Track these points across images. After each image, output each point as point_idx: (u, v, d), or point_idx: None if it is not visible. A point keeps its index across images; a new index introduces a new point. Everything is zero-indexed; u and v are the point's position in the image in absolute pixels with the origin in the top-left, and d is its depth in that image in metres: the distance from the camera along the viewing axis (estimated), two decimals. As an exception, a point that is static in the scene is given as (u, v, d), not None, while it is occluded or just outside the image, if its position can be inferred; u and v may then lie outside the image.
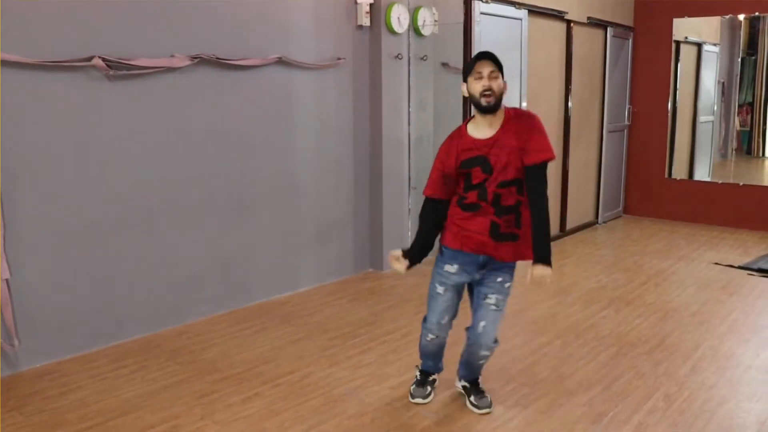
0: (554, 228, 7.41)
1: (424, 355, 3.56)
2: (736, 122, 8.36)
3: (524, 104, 6.34)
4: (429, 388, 3.57)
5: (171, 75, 4.38)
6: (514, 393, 3.63)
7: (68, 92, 3.94)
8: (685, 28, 8.15)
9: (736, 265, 6.20)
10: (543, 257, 3.13)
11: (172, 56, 4.35)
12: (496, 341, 3.33)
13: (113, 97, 4.14)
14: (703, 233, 7.63)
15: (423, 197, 3.36)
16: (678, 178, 8.42)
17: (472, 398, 3.47)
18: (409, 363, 4.00)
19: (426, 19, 5.92)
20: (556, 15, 6.85)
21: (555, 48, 7.06)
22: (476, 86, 3.04)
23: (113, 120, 4.16)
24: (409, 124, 6.01)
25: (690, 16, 8.01)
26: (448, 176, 3.20)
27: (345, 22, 5.48)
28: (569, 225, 7.60)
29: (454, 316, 3.39)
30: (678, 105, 8.36)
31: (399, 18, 5.66)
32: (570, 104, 7.31)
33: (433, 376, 3.63)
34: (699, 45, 8.42)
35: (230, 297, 4.93)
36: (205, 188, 4.67)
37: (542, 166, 3.10)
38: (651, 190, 8.52)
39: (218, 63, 4.61)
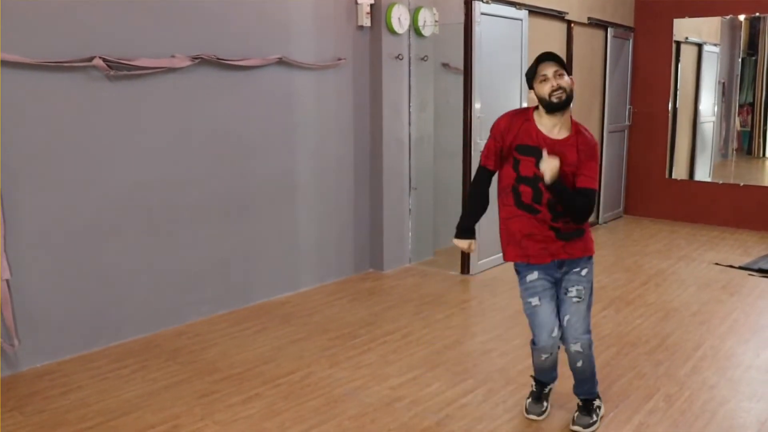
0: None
1: (538, 372, 3.44)
2: (737, 122, 8.36)
3: (524, 104, 6.34)
4: (545, 404, 3.43)
5: (171, 75, 4.38)
6: (514, 393, 3.63)
7: (69, 93, 3.94)
8: (685, 28, 8.15)
9: (737, 266, 6.20)
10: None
11: (173, 56, 4.35)
12: (587, 332, 3.19)
13: (114, 98, 4.14)
14: (704, 233, 7.63)
15: (479, 166, 3.26)
16: (678, 178, 8.41)
17: (576, 413, 3.33)
18: (410, 363, 4.00)
19: (426, 19, 5.92)
20: (557, 15, 6.85)
21: (555, 48, 7.02)
22: (544, 88, 2.99)
23: (114, 120, 4.16)
24: (409, 124, 6.02)
25: (690, 16, 8.01)
26: (502, 151, 3.13)
27: (345, 23, 5.48)
28: (570, 225, 7.57)
29: (560, 326, 3.23)
30: (678, 105, 8.36)
31: (399, 18, 5.66)
32: (570, 105, 7.28)
33: (550, 386, 3.49)
34: (699, 45, 8.41)
35: (230, 297, 4.93)
36: (205, 188, 4.67)
37: (589, 192, 3.06)
38: (651, 191, 8.52)
39: (219, 63, 4.61)
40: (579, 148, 3.05)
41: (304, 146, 5.31)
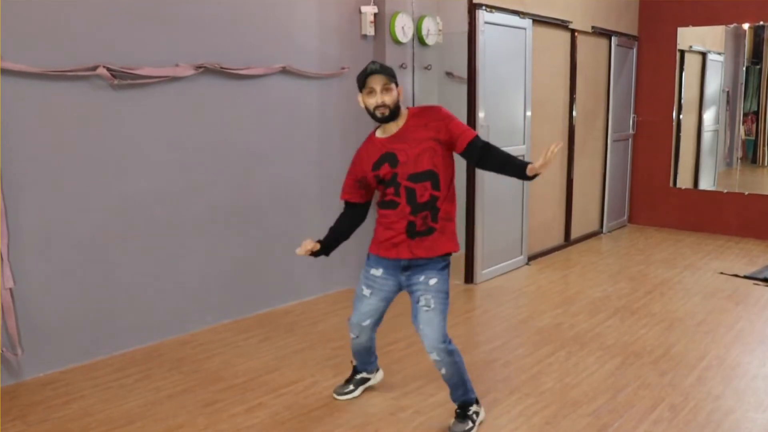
0: (559, 237, 7.40)
1: (353, 352, 3.66)
2: (741, 131, 8.35)
3: (528, 113, 6.34)
4: (351, 387, 3.69)
5: (175, 84, 4.39)
6: (518, 403, 3.61)
7: (72, 101, 3.95)
8: (689, 37, 8.15)
9: (742, 275, 6.18)
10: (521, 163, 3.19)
11: (177, 65, 4.36)
12: (443, 341, 3.18)
13: (117, 107, 4.15)
14: (709, 242, 7.60)
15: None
16: (683, 187, 8.39)
17: (452, 422, 3.33)
18: (414, 373, 3.99)
19: (430, 28, 5.93)
20: (561, 24, 6.85)
21: (559, 57, 7.06)
22: (370, 101, 3.11)
23: (117, 129, 4.17)
24: (413, 133, 6.00)
25: (694, 25, 8.01)
26: (362, 180, 3.28)
27: (349, 32, 5.49)
28: (574, 234, 7.58)
29: (377, 321, 3.44)
30: (683, 114, 8.35)
31: (403, 27, 5.67)
32: (574, 113, 7.30)
33: (362, 375, 3.73)
34: (703, 54, 8.41)
35: (234, 306, 4.93)
36: (209, 197, 4.68)
37: (475, 143, 3.14)
38: (656, 200, 8.50)
39: (222, 72, 4.62)
40: (425, 123, 3.15)
41: (308, 155, 5.31)
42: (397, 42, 5.68)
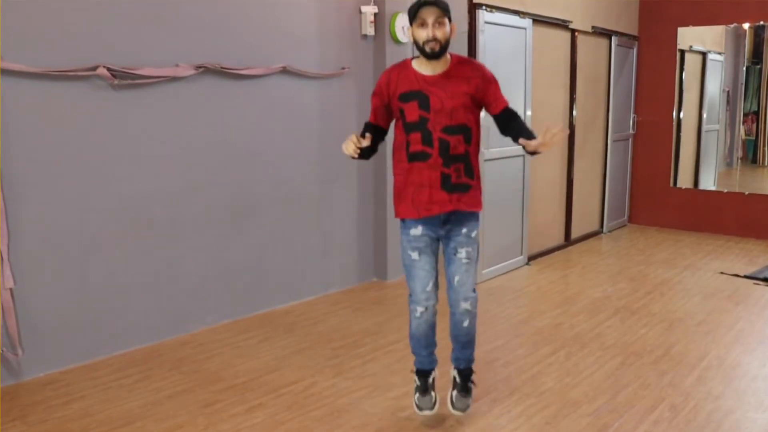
0: (559, 237, 7.39)
1: (416, 343, 3.37)
2: (741, 131, 8.35)
3: (528, 113, 6.34)
4: (433, 394, 3.36)
5: (175, 84, 4.39)
6: (518, 403, 3.61)
7: (73, 102, 3.95)
8: (689, 37, 8.15)
9: (742, 275, 6.18)
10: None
11: (177, 65, 4.37)
12: (474, 291, 3.27)
13: (117, 107, 4.15)
14: (709, 242, 7.60)
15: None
16: (683, 187, 8.39)
17: (453, 393, 3.38)
18: (414, 373, 3.99)
19: (430, 28, 5.92)
20: (561, 24, 6.85)
21: (559, 57, 7.06)
22: (420, 34, 3.00)
23: (117, 129, 4.17)
24: (413, 133, 6.00)
25: (694, 25, 8.01)
26: (388, 106, 3.19)
27: (349, 32, 5.49)
28: (574, 234, 7.58)
29: (436, 282, 3.27)
30: (683, 114, 8.35)
31: (403, 27, 5.67)
32: (574, 113, 7.30)
33: (432, 375, 3.43)
34: (704, 54, 8.41)
35: (234, 306, 4.93)
36: (209, 197, 4.68)
37: (509, 109, 3.17)
38: (656, 199, 8.50)
39: (223, 72, 4.62)
40: (467, 75, 3.08)
41: (308, 155, 5.31)
42: (397, 42, 5.68)
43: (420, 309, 3.27)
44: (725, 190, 8.16)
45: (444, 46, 3.01)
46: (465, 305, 3.25)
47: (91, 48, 3.97)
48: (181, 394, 3.73)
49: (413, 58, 3.17)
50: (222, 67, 4.58)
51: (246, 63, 4.75)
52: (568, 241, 7.51)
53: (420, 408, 3.36)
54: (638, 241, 7.76)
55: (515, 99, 6.21)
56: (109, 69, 4.01)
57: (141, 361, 4.17)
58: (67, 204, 4.00)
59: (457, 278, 3.22)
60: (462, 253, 3.20)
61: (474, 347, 3.42)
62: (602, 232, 8.19)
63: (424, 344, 3.38)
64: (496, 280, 6.03)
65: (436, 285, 3.28)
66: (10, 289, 3.76)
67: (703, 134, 8.59)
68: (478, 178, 3.23)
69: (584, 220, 7.82)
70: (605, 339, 4.55)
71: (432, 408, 3.34)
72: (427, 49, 3.00)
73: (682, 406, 3.56)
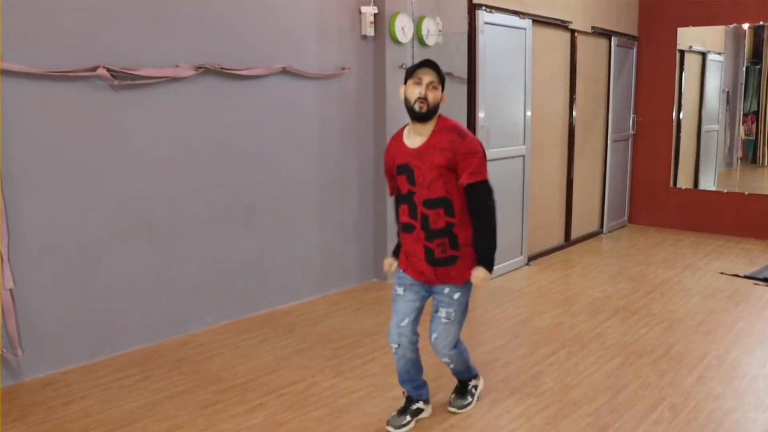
0: (559, 238, 7.39)
1: (399, 376, 3.38)
2: (741, 131, 8.35)
3: (528, 114, 6.34)
4: (408, 418, 3.34)
5: (175, 85, 4.39)
6: (518, 403, 3.61)
7: (73, 102, 3.95)
8: (689, 37, 8.15)
9: (742, 275, 6.18)
10: (483, 260, 3.12)
11: (177, 66, 4.37)
12: (453, 348, 3.30)
13: (117, 107, 4.15)
14: (709, 242, 7.60)
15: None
16: (683, 187, 8.39)
17: (452, 396, 3.59)
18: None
19: (430, 29, 5.93)
20: (561, 24, 6.86)
21: (559, 57, 7.06)
22: (413, 91, 3.04)
23: (117, 130, 4.17)
24: (413, 133, 6.01)
25: (694, 25, 8.01)
26: (392, 175, 3.25)
27: (349, 32, 5.49)
28: (574, 234, 7.58)
29: (414, 320, 3.26)
30: (683, 114, 8.35)
31: (403, 28, 5.67)
32: (574, 113, 7.30)
33: (417, 405, 3.39)
34: (703, 54, 8.41)
35: (234, 307, 4.93)
36: (209, 198, 4.68)
37: (478, 186, 3.07)
38: (656, 200, 8.50)
39: (223, 73, 4.62)
40: (443, 147, 3.04)
41: (308, 155, 5.31)
42: (397, 42, 5.68)
43: (393, 345, 3.28)
44: (725, 191, 8.16)
45: (431, 110, 3.04)
46: (444, 359, 3.37)
47: (91, 48, 3.98)
48: (181, 394, 3.73)
49: (403, 128, 3.23)
50: (222, 68, 4.59)
51: (246, 63, 4.75)
52: (568, 241, 7.51)
53: (388, 423, 3.35)
54: (638, 241, 7.76)
55: (515, 101, 6.22)
56: (109, 69, 4.02)
57: (141, 362, 4.17)
58: (67, 205, 4.00)
59: (434, 335, 3.27)
60: (442, 313, 3.23)
61: (468, 372, 3.54)
62: (602, 232, 8.19)
63: (406, 379, 3.37)
64: (496, 280, 6.03)
65: (415, 322, 3.28)
66: (10, 290, 3.76)
67: (703, 134, 8.60)
68: (468, 245, 3.14)
69: (584, 220, 7.82)
70: (605, 339, 4.55)
71: (397, 428, 3.31)
72: (416, 107, 3.02)
73: (683, 406, 3.56)
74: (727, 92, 8.45)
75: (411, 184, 3.10)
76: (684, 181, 8.45)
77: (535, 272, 6.37)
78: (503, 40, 5.99)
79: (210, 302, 4.77)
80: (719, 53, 8.36)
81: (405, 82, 3.09)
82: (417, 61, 5.88)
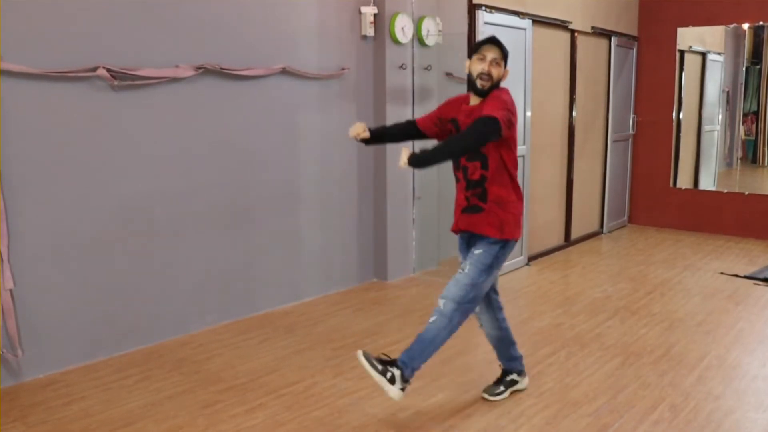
0: (559, 238, 7.39)
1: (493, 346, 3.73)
2: (741, 131, 8.35)
3: (528, 114, 6.34)
4: (502, 388, 3.66)
5: (175, 85, 4.39)
6: (518, 404, 3.61)
7: (72, 103, 3.95)
8: (689, 37, 8.15)
9: (742, 275, 6.18)
10: (420, 152, 3.10)
11: (177, 66, 4.37)
12: (454, 300, 3.22)
13: (117, 108, 4.15)
14: (709, 242, 7.60)
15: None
16: (683, 187, 8.39)
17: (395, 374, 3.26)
18: (417, 373, 3.97)
19: (430, 29, 5.93)
20: (560, 25, 6.85)
21: (559, 58, 7.06)
22: (477, 66, 3.23)
23: (117, 130, 4.17)
24: (413, 133, 6.00)
25: (694, 25, 8.01)
26: (442, 120, 3.47)
27: (349, 32, 5.49)
28: (574, 235, 7.58)
29: (487, 304, 3.58)
30: (682, 114, 8.35)
31: (403, 28, 5.67)
32: (574, 114, 7.30)
33: (512, 377, 3.70)
34: (703, 54, 8.41)
35: (234, 307, 4.93)
36: (209, 198, 4.68)
37: (483, 117, 3.07)
38: (656, 200, 8.50)
39: (223, 73, 4.62)
40: (482, 106, 3.23)
41: (308, 156, 5.31)
42: (396, 42, 5.68)
43: (478, 324, 3.70)
44: (725, 191, 8.16)
45: (493, 85, 3.24)
46: (439, 302, 3.31)
47: (91, 49, 3.98)
48: (181, 394, 3.73)
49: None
50: (222, 68, 4.59)
51: (246, 64, 4.75)
52: (568, 241, 7.50)
53: (483, 390, 3.70)
54: (638, 241, 7.75)
55: (515, 100, 6.19)
56: (108, 70, 4.02)
57: (141, 362, 4.16)
58: (67, 205, 4.00)
59: (449, 283, 3.36)
60: (464, 264, 3.35)
61: (421, 353, 3.28)
62: (602, 232, 8.18)
63: (497, 351, 3.72)
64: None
65: (486, 301, 3.59)
66: (10, 290, 3.76)
67: (703, 134, 8.59)
68: (497, 203, 3.30)
69: (584, 220, 7.82)
70: (605, 339, 4.55)
71: (491, 395, 3.65)
72: (479, 83, 3.22)
73: (683, 407, 3.56)
74: (727, 92, 8.44)
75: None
76: (684, 181, 8.45)
77: (535, 272, 6.37)
78: (503, 40, 5.91)
79: (210, 302, 4.77)
80: (719, 53, 8.36)
81: (469, 57, 3.29)
82: (417, 61, 5.91)
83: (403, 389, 3.21)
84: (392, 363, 3.24)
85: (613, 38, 7.81)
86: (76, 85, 3.95)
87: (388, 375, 3.19)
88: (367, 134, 3.53)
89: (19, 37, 3.69)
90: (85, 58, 3.95)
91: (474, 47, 3.29)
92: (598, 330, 4.74)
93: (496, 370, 3.99)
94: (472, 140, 3.09)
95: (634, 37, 8.27)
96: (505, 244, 3.33)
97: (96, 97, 4.04)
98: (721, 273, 6.27)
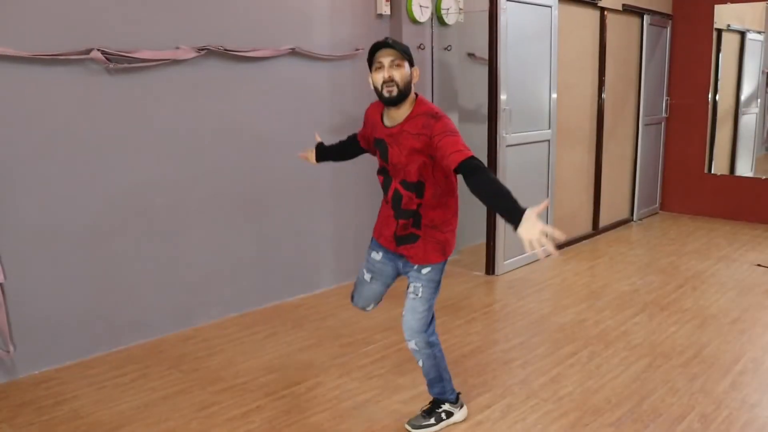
0: (586, 226, 7.09)
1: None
2: (782, 114, 7.99)
3: (554, 96, 6.03)
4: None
5: (176, 68, 4.17)
6: (535, 410, 3.35)
7: (65, 87, 3.75)
8: (727, 15, 7.73)
9: (781, 267, 5.84)
10: (517, 218, 2.46)
11: (177, 48, 4.14)
12: (422, 331, 3.05)
13: (114, 92, 3.94)
14: (745, 232, 7.23)
15: None
16: (718, 173, 8.01)
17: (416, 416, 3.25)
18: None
19: (450, 6, 5.65)
20: (589, 2, 6.51)
21: (587, 37, 6.72)
22: (377, 77, 2.82)
23: (114, 116, 3.96)
24: (431, 117, 5.74)
25: (733, 2, 7.59)
26: (368, 139, 3.18)
27: (363, 11, 5.23)
28: (602, 223, 7.27)
29: (377, 303, 3.40)
30: (719, 96, 7.95)
31: (421, 6, 5.39)
32: (604, 96, 6.96)
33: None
34: (742, 33, 8.01)
35: (242, 299, 4.73)
36: (214, 186, 4.47)
37: (471, 160, 2.63)
38: (689, 186, 8.13)
39: (227, 55, 4.39)
40: (418, 132, 2.80)
41: (320, 141, 5.07)
42: (414, 21, 5.41)
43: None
44: (763, 177, 7.75)
45: (402, 91, 2.80)
46: (411, 344, 3.11)
47: (84, 30, 3.76)
48: (176, 394, 3.54)
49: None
50: (226, 49, 4.35)
51: (252, 44, 4.51)
52: (596, 229, 7.20)
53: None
54: (670, 230, 7.41)
55: (539, 82, 5.91)
56: (103, 52, 3.80)
57: (140, 358, 3.99)
58: (61, 194, 3.81)
59: (403, 313, 3.10)
60: (410, 288, 3.08)
61: (441, 386, 3.20)
62: (632, 220, 7.86)
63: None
64: (518, 271, 5.77)
65: (375, 306, 3.43)
66: (1, 285, 3.60)
67: (741, 118, 8.22)
68: (432, 227, 2.98)
69: (613, 207, 7.50)
70: (632, 337, 4.27)
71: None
72: (385, 93, 2.80)
73: (714, 416, 3.27)
74: (767, 73, 8.06)
75: (385, 161, 2.97)
76: (719, 167, 8.06)
77: (560, 263, 6.09)
78: (527, 19, 5.67)
79: (216, 295, 4.58)
80: (759, 32, 7.96)
81: (370, 70, 2.89)
82: (436, 41, 5.63)
83: (460, 405, 3.30)
84: (434, 404, 3.23)
85: (645, 16, 7.43)
86: (69, 69, 3.74)
87: (443, 415, 3.21)
88: (313, 160, 3.50)
89: (7, 19, 3.49)
90: (78, 40, 3.74)
91: (368, 58, 2.88)
92: (624, 327, 4.46)
93: (511, 373, 3.78)
94: (498, 184, 2.60)
95: (668, 15, 7.87)
96: (446, 261, 3.09)
97: (90, 81, 3.84)
98: (758, 265, 5.92)
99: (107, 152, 3.96)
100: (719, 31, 7.79)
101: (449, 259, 3.10)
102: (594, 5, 6.64)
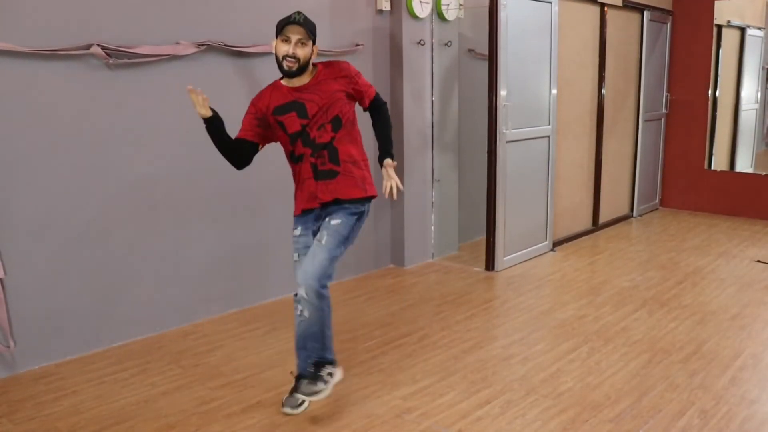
0: (586, 222, 7.09)
1: (297, 344, 3.28)
2: (782, 110, 7.98)
3: (554, 92, 6.02)
4: (301, 397, 3.23)
5: (176, 63, 4.16)
6: (534, 406, 3.35)
7: (65, 83, 3.74)
8: (727, 11, 7.73)
9: (781, 263, 5.84)
10: (388, 153, 3.35)
11: (177, 43, 4.14)
12: (317, 279, 3.07)
13: (113, 88, 3.94)
14: (745, 228, 7.23)
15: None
16: (718, 169, 8.01)
17: (302, 383, 3.20)
18: (424, 369, 3.76)
19: (450, 2, 5.64)
20: (589, -2, 6.51)
21: (588, 33, 6.71)
22: (281, 48, 3.10)
23: (113, 112, 3.96)
24: (432, 113, 5.74)
25: (733, -2, 7.60)
26: (263, 119, 3.26)
27: (364, 6, 5.22)
28: (602, 218, 7.26)
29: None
30: (719, 92, 7.94)
31: (421, 1, 5.38)
32: (604, 92, 6.96)
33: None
34: (742, 29, 7.99)
35: (242, 295, 4.73)
36: (214, 181, 4.46)
37: (377, 98, 3.41)
38: (689, 182, 8.13)
39: (227, 50, 4.39)
40: (334, 76, 3.22)
41: (320, 137, 5.06)
42: (414, 17, 5.40)
43: (299, 307, 3.21)
44: (763, 173, 7.74)
45: (301, 67, 3.12)
46: (301, 291, 3.13)
47: (85, 25, 3.75)
48: (177, 390, 3.54)
49: (281, 77, 3.25)
50: (226, 45, 4.35)
51: (252, 40, 4.51)
52: (596, 225, 7.19)
53: (283, 405, 3.27)
54: (670, 226, 7.41)
55: (539, 78, 5.90)
56: (103, 48, 3.80)
57: (140, 354, 3.99)
58: (61, 190, 3.80)
59: (304, 260, 3.19)
60: (317, 236, 3.21)
61: (322, 344, 3.22)
62: (632, 216, 7.86)
63: (301, 346, 3.30)
64: (518, 267, 5.77)
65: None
66: (1, 280, 3.59)
67: (741, 114, 8.21)
68: (352, 162, 3.25)
69: (613, 203, 7.50)
70: (631, 333, 4.27)
71: (293, 407, 3.24)
72: (285, 66, 3.10)
73: (714, 412, 3.28)
74: (767, 69, 8.05)
75: (303, 118, 3.15)
76: (719, 163, 8.06)
77: (560, 259, 6.09)
78: (527, 15, 5.66)
79: (216, 290, 4.58)
80: (759, 28, 7.94)
81: (276, 37, 3.13)
82: (436, 36, 5.62)
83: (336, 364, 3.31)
84: (316, 368, 3.23)
85: (645, 12, 7.42)
86: (69, 64, 3.74)
87: (328, 377, 3.22)
88: (204, 111, 3.22)
89: (7, 14, 3.48)
90: (78, 36, 3.73)
91: (277, 26, 3.12)
92: (624, 323, 4.46)
93: (510, 369, 3.78)
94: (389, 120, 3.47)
95: (668, 11, 7.86)
96: (363, 213, 3.28)
97: (90, 76, 3.83)
98: (758, 261, 5.92)
99: (107, 148, 3.96)
100: (719, 27, 7.78)
101: (364, 215, 3.32)
102: (594, 1, 6.63)
